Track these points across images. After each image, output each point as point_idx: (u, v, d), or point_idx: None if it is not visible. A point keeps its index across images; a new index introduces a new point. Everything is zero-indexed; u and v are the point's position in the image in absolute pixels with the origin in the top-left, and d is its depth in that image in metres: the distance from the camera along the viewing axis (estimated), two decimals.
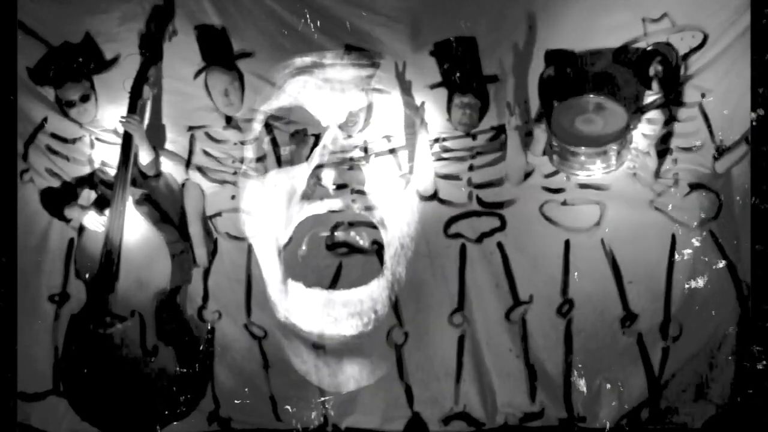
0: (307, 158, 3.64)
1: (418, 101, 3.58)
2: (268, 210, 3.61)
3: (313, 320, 3.59)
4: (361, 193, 3.67)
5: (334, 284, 3.63)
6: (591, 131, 3.30)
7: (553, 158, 3.41)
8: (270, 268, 3.60)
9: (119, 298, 3.46)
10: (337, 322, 3.58)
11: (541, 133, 3.45)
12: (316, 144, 3.66)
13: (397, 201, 3.65)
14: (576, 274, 3.61)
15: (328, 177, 3.64)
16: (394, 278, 3.60)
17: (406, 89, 3.65)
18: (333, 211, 3.64)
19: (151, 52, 3.58)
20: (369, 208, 3.64)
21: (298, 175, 3.63)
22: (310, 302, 3.59)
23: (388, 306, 3.62)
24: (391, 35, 3.60)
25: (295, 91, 3.62)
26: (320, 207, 3.63)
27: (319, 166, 3.64)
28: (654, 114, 3.57)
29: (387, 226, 3.62)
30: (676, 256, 3.55)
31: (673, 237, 3.55)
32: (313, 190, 3.64)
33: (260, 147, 3.69)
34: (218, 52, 3.64)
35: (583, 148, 3.29)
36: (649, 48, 3.52)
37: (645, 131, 3.56)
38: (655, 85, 3.52)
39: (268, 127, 3.70)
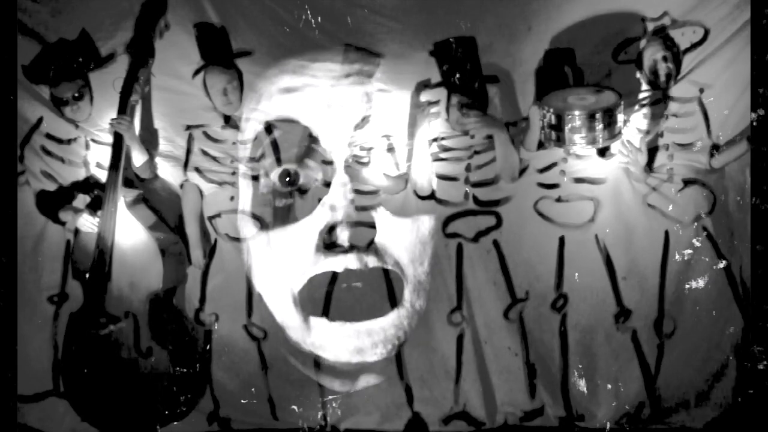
0: (305, 186, 3.62)
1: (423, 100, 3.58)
2: (278, 265, 3.53)
3: (340, 352, 3.54)
4: (360, 192, 3.65)
5: (350, 317, 3.58)
6: (584, 103, 3.31)
7: (552, 136, 3.36)
8: (287, 313, 3.53)
9: (113, 300, 3.45)
10: (363, 352, 3.54)
11: (535, 121, 3.41)
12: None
13: (398, 203, 3.66)
14: (570, 269, 3.62)
15: (343, 234, 3.51)
16: (413, 309, 3.57)
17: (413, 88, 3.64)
18: (350, 269, 3.54)
19: (140, 52, 3.53)
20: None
21: (307, 229, 3.52)
22: (335, 335, 3.54)
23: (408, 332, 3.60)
24: (391, 35, 3.57)
25: (294, 90, 3.59)
26: (336, 263, 3.52)
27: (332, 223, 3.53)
28: (650, 109, 3.57)
29: (400, 264, 3.57)
30: (670, 252, 3.56)
31: (667, 233, 3.56)
32: (326, 245, 3.53)
33: (260, 147, 3.65)
34: (217, 51, 3.60)
35: (577, 111, 3.26)
36: (650, 39, 3.51)
37: (641, 126, 3.57)
38: (653, 78, 3.52)
39: (267, 126, 3.66)
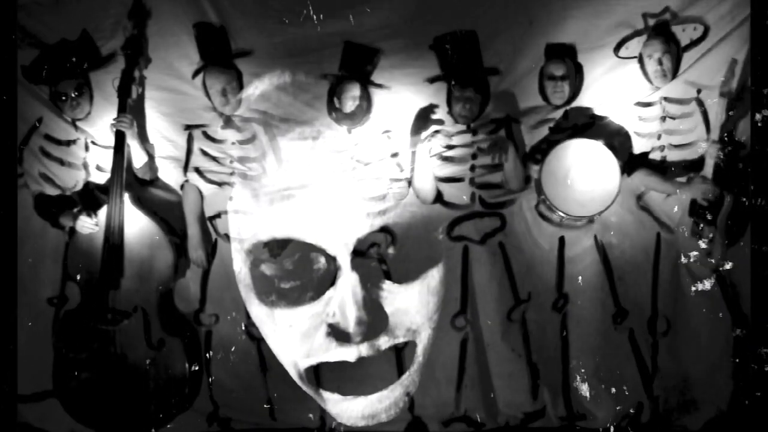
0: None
1: (418, 98, 3.58)
2: (283, 342, 3.47)
3: (355, 419, 3.50)
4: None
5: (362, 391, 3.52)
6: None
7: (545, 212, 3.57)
8: (297, 384, 3.50)
9: (122, 295, 3.44)
10: (377, 416, 3.49)
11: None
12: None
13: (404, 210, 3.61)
14: (570, 270, 3.61)
15: (357, 338, 3.35)
16: (425, 359, 3.52)
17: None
18: (363, 357, 3.41)
19: (134, 52, 3.54)
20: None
21: (315, 315, 3.42)
22: (350, 409, 3.49)
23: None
24: (391, 29, 3.57)
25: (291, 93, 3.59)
26: (349, 353, 3.37)
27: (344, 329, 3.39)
28: (648, 111, 3.56)
29: (413, 329, 3.49)
30: (662, 253, 3.57)
31: (659, 234, 3.57)
32: (336, 331, 3.41)
33: (259, 146, 3.62)
34: (216, 51, 3.60)
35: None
36: (651, 36, 3.52)
37: (639, 130, 3.56)
38: (653, 76, 3.52)
39: (267, 126, 3.64)
